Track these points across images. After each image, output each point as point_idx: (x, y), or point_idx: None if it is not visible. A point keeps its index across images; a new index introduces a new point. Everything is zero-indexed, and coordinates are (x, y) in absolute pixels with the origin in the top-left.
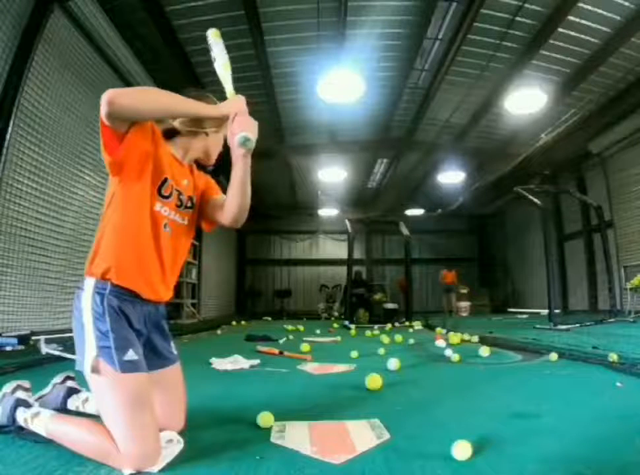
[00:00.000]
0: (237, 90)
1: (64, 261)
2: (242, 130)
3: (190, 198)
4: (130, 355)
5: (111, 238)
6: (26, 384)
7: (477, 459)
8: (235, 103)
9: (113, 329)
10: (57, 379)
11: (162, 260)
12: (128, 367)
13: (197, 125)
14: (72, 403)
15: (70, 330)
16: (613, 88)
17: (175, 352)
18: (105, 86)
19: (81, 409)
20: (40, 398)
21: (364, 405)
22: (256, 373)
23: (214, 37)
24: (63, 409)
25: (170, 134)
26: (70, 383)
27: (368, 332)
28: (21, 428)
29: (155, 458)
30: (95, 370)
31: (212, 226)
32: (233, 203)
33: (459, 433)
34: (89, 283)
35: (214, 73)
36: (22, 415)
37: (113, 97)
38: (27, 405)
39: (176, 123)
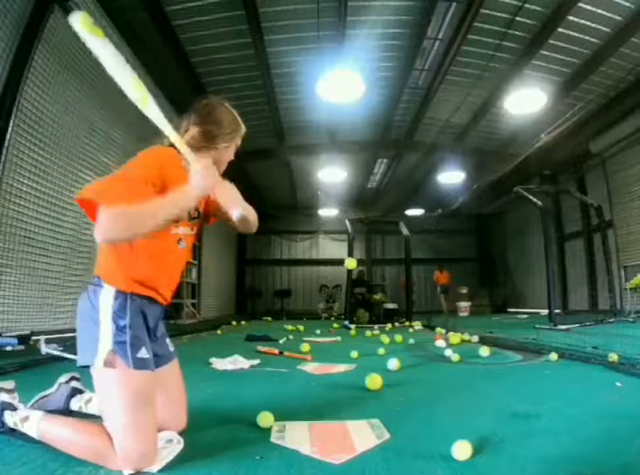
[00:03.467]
0: (238, 90)
1: (64, 261)
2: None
3: (196, 209)
4: (143, 353)
5: (127, 257)
6: (9, 385)
7: (477, 459)
8: (206, 178)
9: (131, 326)
10: (63, 378)
11: (172, 271)
12: (140, 364)
13: (209, 143)
14: (76, 403)
15: (70, 330)
16: (613, 88)
17: (172, 348)
18: (105, 86)
19: (84, 409)
20: (45, 397)
21: (364, 405)
22: (256, 373)
23: (83, 26)
24: (65, 408)
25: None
26: (74, 383)
27: (368, 332)
28: (13, 430)
29: (152, 458)
30: (107, 364)
31: (215, 221)
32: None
33: (459, 433)
34: (110, 285)
35: (212, 73)
36: (11, 419)
37: (104, 236)
38: (12, 408)
39: (187, 137)
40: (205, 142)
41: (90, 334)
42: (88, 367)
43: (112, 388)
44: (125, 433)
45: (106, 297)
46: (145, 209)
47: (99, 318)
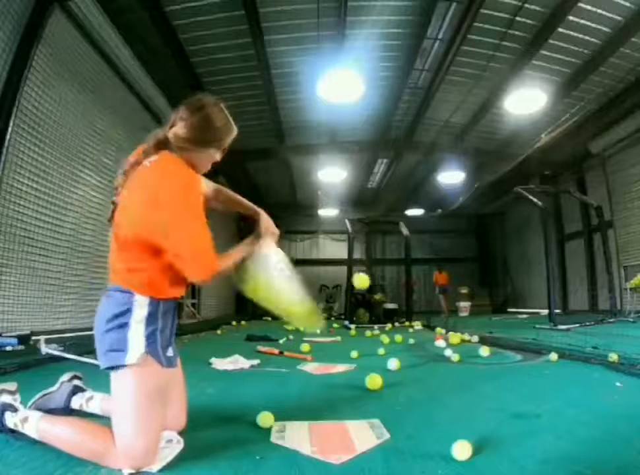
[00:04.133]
0: (238, 90)
1: (64, 261)
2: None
3: None
4: (170, 351)
5: (158, 276)
6: (11, 387)
7: (477, 459)
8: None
9: (162, 329)
10: (65, 377)
11: None
12: (169, 362)
13: (195, 146)
14: (77, 401)
15: (70, 330)
16: (613, 88)
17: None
18: (105, 86)
19: (84, 408)
20: (46, 395)
21: (364, 405)
22: (256, 373)
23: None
24: (66, 407)
25: (162, 145)
26: (76, 382)
27: (368, 332)
28: (13, 430)
29: (154, 457)
30: (139, 363)
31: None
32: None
33: (459, 433)
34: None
35: (212, 73)
36: (11, 420)
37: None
38: (13, 409)
39: (170, 135)
40: (190, 144)
41: (116, 337)
42: (112, 368)
43: (133, 386)
44: (134, 430)
45: (139, 302)
46: (230, 263)
47: (130, 322)
